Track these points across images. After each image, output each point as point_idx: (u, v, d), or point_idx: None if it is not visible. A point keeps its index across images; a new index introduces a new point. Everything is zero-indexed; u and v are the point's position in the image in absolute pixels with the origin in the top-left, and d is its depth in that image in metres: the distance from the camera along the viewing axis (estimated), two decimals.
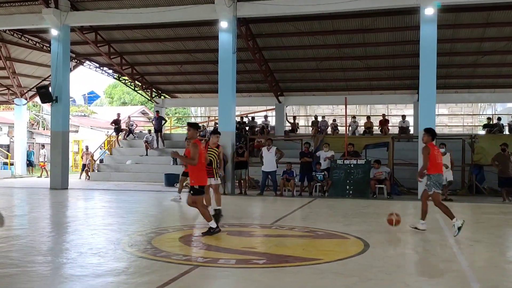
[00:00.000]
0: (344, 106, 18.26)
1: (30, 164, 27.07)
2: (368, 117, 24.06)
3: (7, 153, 27.93)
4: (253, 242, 8.07)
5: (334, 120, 23.81)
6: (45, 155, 26.07)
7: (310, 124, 26.05)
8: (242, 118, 25.14)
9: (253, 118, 24.77)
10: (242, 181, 16.52)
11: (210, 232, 8.10)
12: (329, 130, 23.04)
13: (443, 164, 9.96)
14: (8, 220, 10.42)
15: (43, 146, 26.98)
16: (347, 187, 15.93)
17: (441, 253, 7.24)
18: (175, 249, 7.25)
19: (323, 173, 16.44)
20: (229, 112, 16.94)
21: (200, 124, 30.02)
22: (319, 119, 23.96)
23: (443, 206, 8.70)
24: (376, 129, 23.99)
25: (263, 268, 6.21)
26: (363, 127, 23.63)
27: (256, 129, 23.16)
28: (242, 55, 20.68)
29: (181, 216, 11.60)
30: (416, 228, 8.94)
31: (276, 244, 7.85)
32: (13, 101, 27.54)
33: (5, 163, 26.91)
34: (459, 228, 8.27)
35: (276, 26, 19.57)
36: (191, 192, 8.17)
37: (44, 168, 25.79)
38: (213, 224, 8.16)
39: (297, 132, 24.45)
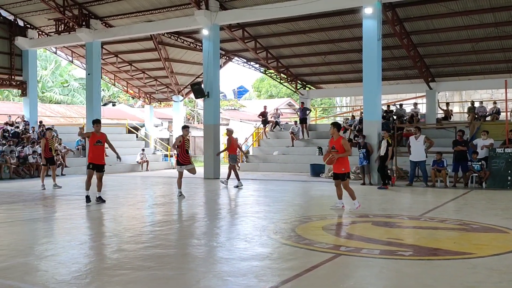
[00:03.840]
0: (504, 90, 16.67)
1: None
2: None
3: (167, 146, 30.46)
4: (399, 233, 7.75)
5: (495, 103, 21.82)
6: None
7: (465, 110, 24.21)
8: (389, 106, 24.26)
9: (400, 105, 23.72)
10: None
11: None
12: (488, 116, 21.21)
13: None
14: (167, 206, 11.40)
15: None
16: (509, 177, 14.57)
17: None
18: (318, 237, 7.26)
19: (480, 163, 15.20)
20: (374, 100, 16.51)
21: (346, 114, 29.67)
22: (476, 104, 22.16)
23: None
24: None
25: (409, 260, 5.93)
26: None
27: (405, 118, 22.19)
28: (388, 41, 19.95)
29: (325, 205, 11.58)
30: None
31: (424, 236, 7.45)
32: (171, 98, 29.99)
33: (166, 155, 29.38)
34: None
35: (425, 8, 18.49)
36: (342, 178, 9.73)
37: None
38: (356, 202, 9.78)
39: (451, 120, 22.90)
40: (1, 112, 27.02)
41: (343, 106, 39.44)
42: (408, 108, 24.34)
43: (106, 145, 11.57)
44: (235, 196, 13.90)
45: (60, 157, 20.28)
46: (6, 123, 22.76)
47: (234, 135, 15.92)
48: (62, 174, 19.99)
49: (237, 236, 7.48)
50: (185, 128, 13.05)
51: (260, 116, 26.34)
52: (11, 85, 24.74)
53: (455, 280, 5.04)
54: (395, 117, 21.90)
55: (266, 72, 27.84)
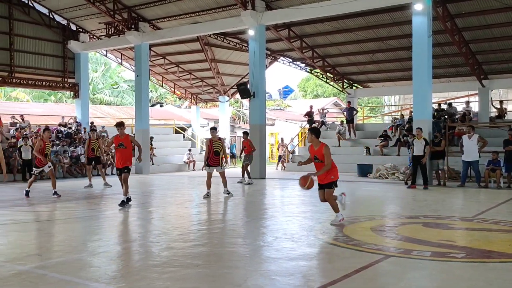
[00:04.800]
0: None
1: (232, 156, 29.40)
2: None
3: None
4: (451, 235, 7.52)
5: None
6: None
7: None
8: (440, 105, 23.63)
9: (450, 104, 23.03)
10: (440, 172, 15.56)
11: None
12: None
13: None
14: (214, 206, 11.50)
15: (224, 139, 29.05)
16: None
17: None
18: (367, 238, 7.15)
19: None
20: (425, 99, 16.10)
21: (396, 113, 29.03)
22: None
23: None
24: None
25: (462, 262, 5.75)
26: None
27: (456, 116, 21.54)
28: (438, 38, 19.40)
29: (373, 206, 11.40)
30: None
31: (477, 238, 7.22)
32: (217, 98, 30.28)
33: None
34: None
35: (477, 3, 17.87)
36: (328, 186, 8.28)
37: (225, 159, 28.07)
38: (340, 215, 8.30)
39: (505, 118, 22.05)
40: (55, 114, 28.04)
41: (391, 105, 38.73)
42: (460, 107, 23.63)
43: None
44: (281, 196, 13.89)
45: (110, 156, 20.82)
46: (60, 124, 23.59)
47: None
48: (112, 174, 20.49)
49: (283, 235, 7.46)
50: (212, 130, 12.76)
51: (306, 116, 26.18)
52: (64, 87, 25.62)
53: (510, 284, 4.84)
54: (446, 116, 21.30)
55: (312, 72, 27.66)
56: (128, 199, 10.83)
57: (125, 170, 10.70)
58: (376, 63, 24.33)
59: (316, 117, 26.74)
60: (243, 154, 17.32)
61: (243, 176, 17.02)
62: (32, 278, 5.25)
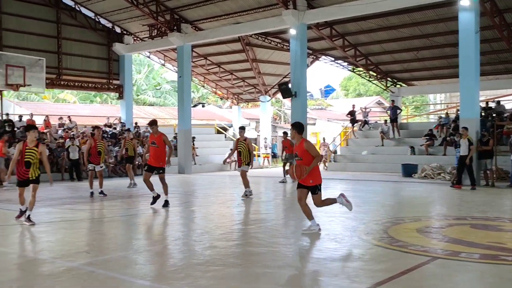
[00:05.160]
0: None
1: (274, 155, 29.39)
2: None
3: (255, 145, 30.83)
4: (501, 237, 7.27)
5: None
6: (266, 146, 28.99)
7: None
8: (487, 103, 22.88)
9: (498, 102, 22.25)
10: (488, 172, 15.07)
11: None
12: None
13: None
14: (255, 205, 11.52)
15: (265, 139, 29.16)
16: None
17: None
18: (412, 239, 6.98)
19: None
20: (472, 97, 15.64)
21: (442, 112, 28.30)
22: None
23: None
24: None
25: None
26: None
27: (505, 115, 20.79)
28: (486, 34, 18.80)
29: (418, 207, 11.14)
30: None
31: None
32: (258, 98, 30.32)
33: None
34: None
35: None
36: (312, 191, 7.48)
37: (266, 159, 28.36)
38: (314, 223, 7.61)
39: None
40: (100, 115, 28.79)
41: (436, 104, 37.83)
42: (508, 105, 22.81)
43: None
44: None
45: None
46: (105, 125, 24.19)
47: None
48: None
49: (326, 236, 7.38)
50: (240, 129, 12.67)
51: (349, 115, 25.88)
52: (109, 89, 26.26)
53: None
54: (494, 115, 20.59)
55: (354, 70, 27.34)
56: (157, 197, 10.65)
57: (161, 171, 10.54)
58: (421, 60, 23.81)
59: (359, 116, 26.40)
60: (284, 153, 17.39)
61: (284, 175, 17.18)
62: (81, 274, 5.39)
